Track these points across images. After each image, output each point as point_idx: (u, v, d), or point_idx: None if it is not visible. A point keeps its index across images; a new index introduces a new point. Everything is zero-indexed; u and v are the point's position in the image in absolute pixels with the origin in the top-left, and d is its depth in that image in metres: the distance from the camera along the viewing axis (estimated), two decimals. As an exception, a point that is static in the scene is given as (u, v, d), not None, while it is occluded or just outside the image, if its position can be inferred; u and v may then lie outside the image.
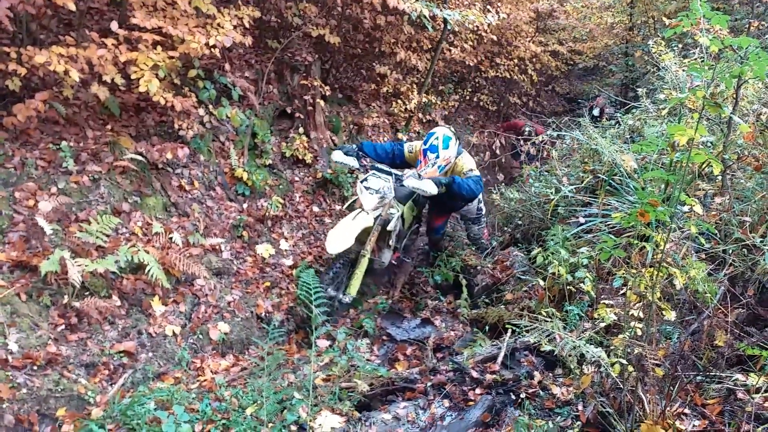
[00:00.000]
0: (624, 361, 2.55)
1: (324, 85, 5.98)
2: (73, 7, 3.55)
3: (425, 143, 4.48)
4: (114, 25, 3.98)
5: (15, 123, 3.75)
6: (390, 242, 4.59)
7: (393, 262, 4.90)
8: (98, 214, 3.67)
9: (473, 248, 5.56)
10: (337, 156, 4.53)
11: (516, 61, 10.08)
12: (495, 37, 8.27)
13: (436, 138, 4.42)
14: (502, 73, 9.79)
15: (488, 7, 7.61)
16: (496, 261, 5.19)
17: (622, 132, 5.90)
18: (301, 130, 5.81)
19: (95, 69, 3.86)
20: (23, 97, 3.79)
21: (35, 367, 2.93)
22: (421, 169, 4.46)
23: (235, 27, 4.57)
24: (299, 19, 5.68)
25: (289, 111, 5.83)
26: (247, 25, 4.75)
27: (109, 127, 4.24)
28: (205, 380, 3.39)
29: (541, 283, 4.03)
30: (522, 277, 4.66)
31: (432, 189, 4.22)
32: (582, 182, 5.12)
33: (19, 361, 2.89)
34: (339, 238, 4.04)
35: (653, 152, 4.34)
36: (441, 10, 6.06)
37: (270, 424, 2.94)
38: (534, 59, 10.36)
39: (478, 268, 5.21)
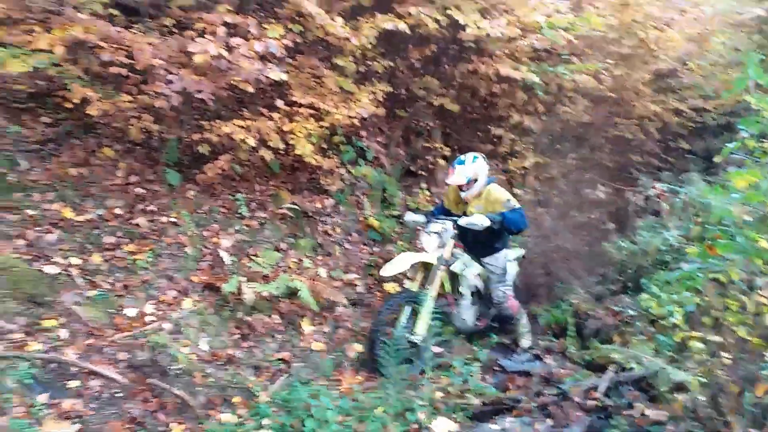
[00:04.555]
0: (703, 379, 2.89)
1: (444, 147, 6.76)
2: (250, 89, 4.59)
3: (455, 161, 4.82)
4: (279, 102, 5.03)
5: (204, 179, 4.84)
6: (462, 291, 4.75)
7: (479, 325, 5.00)
8: (264, 250, 4.62)
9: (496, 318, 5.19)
10: (408, 216, 5.04)
11: (635, 119, 10.30)
12: (612, 95, 8.63)
13: (465, 156, 4.79)
14: (622, 131, 10.06)
15: (600, 67, 8.07)
16: (607, 307, 5.52)
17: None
18: (423, 185, 6.61)
19: (263, 136, 4.88)
20: (210, 160, 4.89)
21: (219, 364, 3.80)
22: (448, 178, 4.73)
23: (370, 101, 5.49)
24: (423, 91, 6.56)
25: (413, 169, 6.67)
26: (380, 99, 5.65)
27: (271, 183, 5.27)
28: (343, 388, 4.09)
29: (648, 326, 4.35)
30: (631, 321, 4.95)
31: (484, 221, 4.39)
32: (691, 233, 5.37)
33: (208, 357, 3.79)
34: (394, 264, 4.41)
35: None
36: (554, 69, 6.63)
37: (394, 423, 3.56)
38: (654, 118, 10.51)
39: (590, 313, 5.55)
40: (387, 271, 4.41)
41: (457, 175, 4.66)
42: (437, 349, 4.33)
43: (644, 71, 9.98)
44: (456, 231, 4.66)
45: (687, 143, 12.42)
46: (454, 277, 4.78)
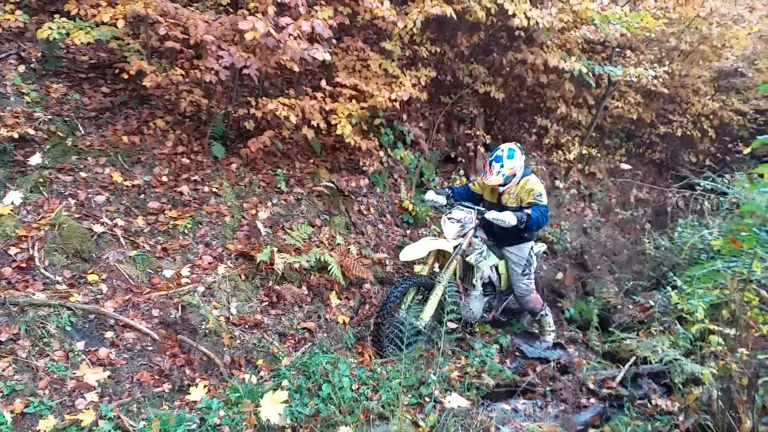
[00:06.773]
0: (714, 370, 2.90)
1: (486, 134, 6.78)
2: (296, 69, 4.74)
3: (491, 155, 4.64)
4: (323, 83, 5.18)
5: (248, 153, 5.06)
6: (474, 282, 4.74)
7: (486, 317, 4.96)
8: (298, 224, 4.80)
9: (524, 315, 5.37)
10: (428, 195, 4.91)
11: (690, 117, 9.98)
12: (666, 91, 8.37)
13: (501, 150, 4.59)
14: (675, 129, 9.78)
15: (655, 65, 7.88)
16: (636, 302, 5.48)
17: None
18: (462, 172, 6.65)
19: (306, 116, 5.03)
20: (254, 135, 5.10)
21: (246, 327, 4.01)
22: (486, 178, 4.58)
23: (414, 85, 5.55)
24: (469, 78, 6.59)
25: (453, 155, 6.73)
26: (424, 84, 5.72)
27: (311, 161, 5.45)
28: (363, 360, 4.25)
29: (673, 321, 4.33)
30: (659, 317, 4.92)
31: (512, 220, 4.33)
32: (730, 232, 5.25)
33: (237, 320, 4.00)
34: (413, 249, 4.41)
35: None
36: (602, 67, 6.53)
37: (409, 395, 3.69)
38: (712, 117, 10.17)
39: (618, 307, 5.53)
40: (406, 255, 4.41)
41: (495, 176, 4.55)
42: (452, 325, 4.28)
43: (705, 69, 9.66)
44: (479, 222, 4.62)
45: (747, 146, 11.94)
46: (468, 267, 4.77)
